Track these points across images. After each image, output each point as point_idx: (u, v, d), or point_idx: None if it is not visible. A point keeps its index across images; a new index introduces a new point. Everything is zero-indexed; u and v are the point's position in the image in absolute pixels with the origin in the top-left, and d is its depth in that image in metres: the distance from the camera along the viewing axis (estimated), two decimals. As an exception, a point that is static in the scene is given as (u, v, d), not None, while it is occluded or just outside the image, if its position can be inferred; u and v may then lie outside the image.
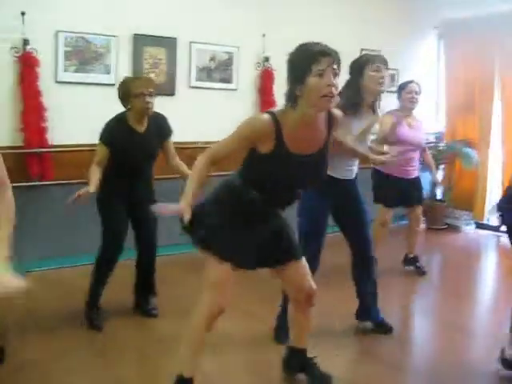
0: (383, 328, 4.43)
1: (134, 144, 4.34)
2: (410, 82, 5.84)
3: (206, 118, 6.78)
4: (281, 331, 4.06)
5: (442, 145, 8.57)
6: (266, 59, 7.20)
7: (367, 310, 4.43)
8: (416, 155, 5.91)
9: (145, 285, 4.76)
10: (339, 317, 4.59)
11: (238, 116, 6.83)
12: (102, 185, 4.23)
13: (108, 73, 6.16)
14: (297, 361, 3.56)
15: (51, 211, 5.82)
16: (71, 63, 5.95)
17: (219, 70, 6.95)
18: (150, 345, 4.16)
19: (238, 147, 2.96)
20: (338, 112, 3.10)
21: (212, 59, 6.88)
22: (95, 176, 4.20)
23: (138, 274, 4.77)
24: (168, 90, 6.58)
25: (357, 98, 4.04)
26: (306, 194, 3.67)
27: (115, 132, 4.34)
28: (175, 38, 6.56)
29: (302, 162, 2.94)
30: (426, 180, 8.11)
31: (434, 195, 8.41)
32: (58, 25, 5.81)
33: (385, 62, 4.09)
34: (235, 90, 7.12)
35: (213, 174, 3.09)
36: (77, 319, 4.47)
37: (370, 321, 4.46)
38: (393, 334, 4.43)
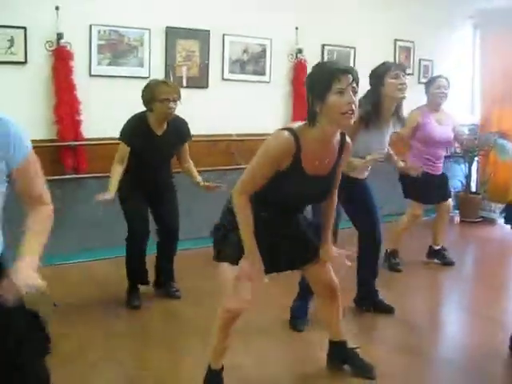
0: (386, 308, 4.56)
1: (152, 146, 4.49)
2: (438, 76, 5.77)
3: (239, 111, 6.78)
4: (298, 320, 4.23)
5: (476, 137, 8.45)
6: (299, 51, 7.16)
7: (370, 294, 4.57)
8: (443, 152, 5.86)
9: (165, 272, 4.93)
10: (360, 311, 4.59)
11: (271, 108, 6.97)
12: (122, 178, 4.48)
13: (141, 66, 6.18)
14: (339, 353, 3.60)
15: (86, 204, 5.86)
16: (104, 56, 5.98)
17: (252, 62, 6.93)
18: (176, 335, 4.20)
19: (267, 171, 2.91)
20: (349, 140, 3.13)
21: (245, 51, 6.86)
22: (115, 179, 4.42)
23: (158, 263, 4.94)
24: (201, 82, 6.58)
25: (378, 107, 4.07)
26: None
27: (135, 131, 4.49)
28: (208, 31, 6.54)
29: (313, 182, 2.98)
30: (459, 172, 8.05)
31: (468, 187, 8.30)
32: (92, 18, 5.83)
33: (403, 69, 4.17)
34: (268, 82, 7.09)
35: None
36: (111, 306, 4.64)
37: (372, 304, 4.57)
38: (428, 327, 4.42)
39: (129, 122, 4.56)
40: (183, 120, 4.66)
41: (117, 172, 4.45)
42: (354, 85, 2.81)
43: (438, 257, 6.05)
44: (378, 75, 4.14)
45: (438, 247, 6.08)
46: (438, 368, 3.77)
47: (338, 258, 3.26)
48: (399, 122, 4.37)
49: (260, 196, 2.98)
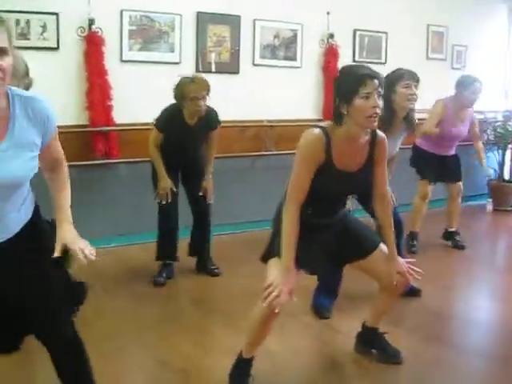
0: (416, 291, 4.54)
1: (183, 135, 4.70)
2: (475, 80, 5.55)
3: (270, 96, 6.74)
4: (321, 307, 4.23)
5: (510, 123, 8.32)
6: (331, 36, 7.11)
7: None
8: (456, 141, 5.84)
9: (202, 250, 5.09)
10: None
11: (302, 94, 6.94)
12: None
13: (172, 51, 6.18)
14: (369, 338, 3.62)
15: (117, 189, 5.91)
16: (136, 42, 5.99)
17: (283, 48, 6.89)
18: (206, 321, 4.21)
19: (309, 172, 2.96)
20: (383, 136, 3.16)
21: (276, 36, 6.82)
22: (161, 163, 4.68)
23: (193, 242, 5.10)
24: (232, 68, 6.57)
25: (388, 113, 4.06)
26: None
27: (170, 120, 4.70)
28: (239, 16, 6.53)
29: (345, 178, 3.03)
30: (492, 160, 7.94)
31: (501, 176, 8.19)
32: (123, 4, 5.85)
33: (416, 79, 4.17)
34: (299, 67, 7.05)
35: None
36: (141, 290, 4.67)
37: None
38: (458, 316, 4.38)
39: (166, 110, 4.73)
40: (213, 110, 4.79)
41: (158, 157, 4.70)
42: (380, 89, 2.89)
43: (451, 239, 6.08)
44: (391, 82, 4.14)
45: (451, 229, 6.09)
46: (469, 358, 3.73)
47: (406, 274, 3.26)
48: (410, 128, 4.38)
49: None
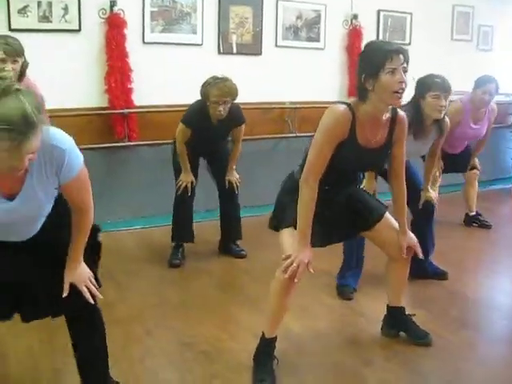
0: (443, 274, 4.59)
1: (208, 131, 4.76)
2: (489, 80, 5.36)
3: (292, 78, 6.69)
4: (345, 287, 4.26)
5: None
6: (355, 17, 7.03)
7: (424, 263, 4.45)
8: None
9: (230, 231, 5.16)
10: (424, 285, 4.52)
11: (325, 75, 6.88)
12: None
13: (194, 33, 6.14)
14: (395, 319, 3.61)
15: (138, 171, 5.91)
16: (157, 23, 5.95)
17: (306, 29, 6.82)
18: (230, 304, 4.20)
19: (330, 147, 2.98)
20: (403, 115, 3.19)
21: (299, 17, 6.75)
22: (186, 159, 4.77)
23: (222, 221, 5.19)
24: (254, 49, 6.52)
25: (416, 117, 4.04)
26: None
27: (196, 117, 4.73)
28: (262, -4, 6.46)
29: (365, 154, 3.06)
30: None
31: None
32: (145, -15, 5.81)
33: (446, 90, 4.08)
34: (322, 49, 6.97)
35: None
36: (165, 273, 4.70)
37: (427, 273, 4.55)
38: (483, 301, 4.33)
39: (193, 107, 4.78)
40: (238, 106, 4.80)
41: (185, 153, 4.77)
42: (405, 65, 2.91)
43: (476, 221, 6.12)
44: (422, 88, 4.10)
45: (472, 213, 6.14)
46: (495, 344, 3.68)
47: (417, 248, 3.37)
48: (440, 132, 4.33)
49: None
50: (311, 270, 2.96)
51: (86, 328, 2.61)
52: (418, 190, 4.38)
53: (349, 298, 4.19)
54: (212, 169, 5.09)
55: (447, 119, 4.30)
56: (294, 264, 2.91)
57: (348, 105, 2.99)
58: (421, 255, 3.39)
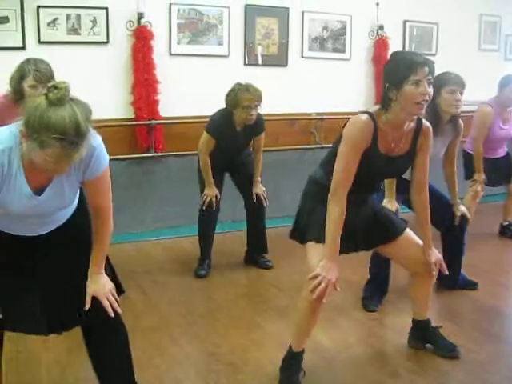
0: (472, 284, 4.58)
1: (231, 139, 4.78)
2: None
3: (318, 89, 6.69)
4: (369, 300, 4.25)
5: None
6: (380, 27, 7.00)
7: (456, 276, 4.43)
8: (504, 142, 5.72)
9: (257, 244, 5.14)
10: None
11: (351, 86, 6.87)
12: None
13: (220, 44, 6.17)
14: (421, 332, 3.58)
15: (165, 181, 5.94)
16: (184, 35, 6.00)
17: (332, 40, 6.83)
18: (256, 315, 4.17)
19: (356, 157, 2.98)
20: (428, 125, 3.18)
21: (325, 28, 6.76)
22: (209, 172, 4.77)
23: (248, 234, 5.17)
24: (280, 60, 6.53)
25: (432, 115, 4.00)
26: None
27: (221, 125, 4.75)
28: (287, 8, 6.48)
29: (387, 162, 3.07)
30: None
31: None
32: (171, -3, 5.88)
33: (462, 86, 4.07)
34: (348, 59, 6.97)
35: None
36: (192, 283, 4.73)
37: (457, 284, 4.51)
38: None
39: (215, 116, 4.81)
40: (260, 115, 4.81)
41: (209, 165, 4.78)
42: (430, 77, 2.90)
43: (507, 232, 6.08)
44: (437, 84, 4.05)
45: (506, 223, 6.10)
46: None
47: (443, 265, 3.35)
48: (455, 131, 4.27)
49: None
50: (338, 289, 2.94)
51: (108, 333, 2.59)
52: (446, 205, 4.31)
53: (372, 310, 4.18)
54: (237, 182, 5.09)
55: (461, 122, 4.25)
56: (323, 285, 2.88)
57: (370, 114, 2.99)
58: (446, 272, 3.36)
